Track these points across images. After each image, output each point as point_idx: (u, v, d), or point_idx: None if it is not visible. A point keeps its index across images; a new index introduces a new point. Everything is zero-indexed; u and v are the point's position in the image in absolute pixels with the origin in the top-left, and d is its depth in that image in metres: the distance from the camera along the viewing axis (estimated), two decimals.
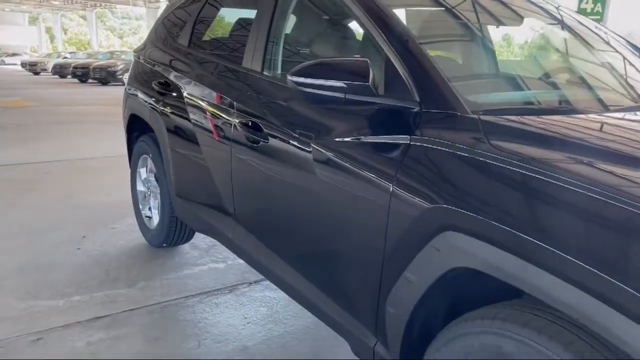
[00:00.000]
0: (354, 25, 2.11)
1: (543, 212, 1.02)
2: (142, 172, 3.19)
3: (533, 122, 1.30)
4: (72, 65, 21.73)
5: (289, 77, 1.52)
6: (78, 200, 4.12)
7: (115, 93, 14.09)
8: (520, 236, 1.01)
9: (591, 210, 0.95)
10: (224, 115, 2.16)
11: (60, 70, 23.61)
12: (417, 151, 1.31)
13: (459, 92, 1.36)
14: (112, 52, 23.79)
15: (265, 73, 2.05)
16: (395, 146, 1.37)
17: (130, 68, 3.37)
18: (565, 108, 1.51)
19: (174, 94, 2.60)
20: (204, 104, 2.33)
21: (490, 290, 1.18)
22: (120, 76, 18.44)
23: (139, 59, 3.20)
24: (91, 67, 19.89)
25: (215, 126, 2.22)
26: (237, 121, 2.04)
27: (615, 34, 2.14)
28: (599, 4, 7.20)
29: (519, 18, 2.11)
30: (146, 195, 3.19)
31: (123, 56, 20.95)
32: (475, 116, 1.29)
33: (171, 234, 2.95)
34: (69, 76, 22.22)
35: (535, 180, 1.04)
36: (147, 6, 33.18)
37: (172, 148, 2.63)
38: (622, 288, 0.85)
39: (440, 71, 1.41)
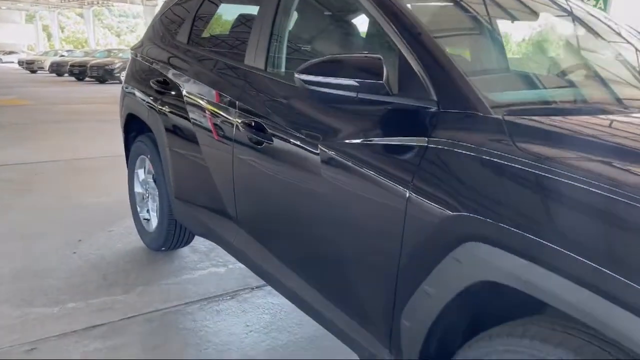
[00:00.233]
0: (364, 20, 2.01)
1: (578, 223, 0.93)
2: (140, 174, 3.09)
3: (561, 124, 1.21)
4: (70, 63, 21.64)
5: (296, 75, 1.43)
6: (75, 202, 4.03)
7: (113, 91, 13.99)
8: (551, 248, 0.93)
9: (634, 221, 0.86)
10: (225, 115, 2.07)
11: (57, 69, 23.48)
12: (435, 154, 1.22)
13: (480, 90, 1.27)
14: (109, 50, 23.73)
15: (269, 71, 1.96)
16: (411, 149, 1.28)
17: (128, 66, 3.28)
18: (595, 108, 1.42)
19: (173, 93, 2.50)
20: (204, 103, 2.24)
21: (508, 305, 1.11)
22: (118, 74, 18.38)
23: (136, 56, 3.10)
24: (88, 66, 19.83)
25: (216, 126, 2.13)
26: (240, 121, 1.95)
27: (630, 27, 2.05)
28: (600, 0, 7.20)
29: (534, 13, 2.02)
30: (144, 197, 3.09)
31: (120, 54, 20.90)
32: (499, 116, 1.20)
33: (170, 237, 2.86)
34: (66, 74, 22.09)
35: (568, 187, 0.95)
36: (145, 4, 32.97)
37: (171, 148, 2.54)
38: None
39: (459, 68, 1.32)
